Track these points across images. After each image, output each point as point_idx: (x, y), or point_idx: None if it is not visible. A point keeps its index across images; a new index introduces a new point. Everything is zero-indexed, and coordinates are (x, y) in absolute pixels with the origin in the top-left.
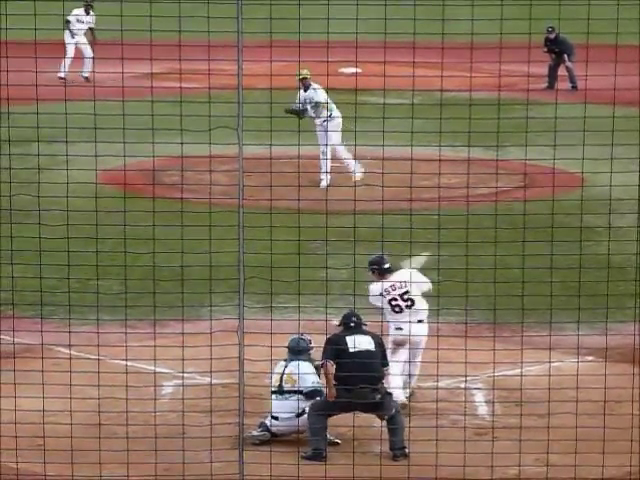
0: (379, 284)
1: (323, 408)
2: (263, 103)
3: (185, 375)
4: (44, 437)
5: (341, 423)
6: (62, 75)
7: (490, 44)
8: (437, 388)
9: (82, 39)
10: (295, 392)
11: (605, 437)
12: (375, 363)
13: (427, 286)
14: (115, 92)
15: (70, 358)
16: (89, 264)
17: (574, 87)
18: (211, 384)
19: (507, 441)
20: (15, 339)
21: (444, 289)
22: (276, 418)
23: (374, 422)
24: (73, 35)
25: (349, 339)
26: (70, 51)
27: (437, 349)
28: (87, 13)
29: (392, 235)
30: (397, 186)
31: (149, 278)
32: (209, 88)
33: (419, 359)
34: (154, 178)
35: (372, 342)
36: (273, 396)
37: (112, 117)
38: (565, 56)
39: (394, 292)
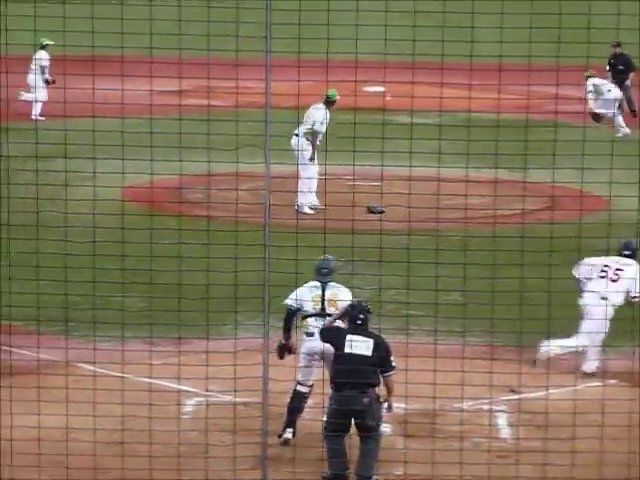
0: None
1: (329, 427)
2: (289, 123)
3: (208, 393)
4: (67, 454)
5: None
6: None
7: (518, 66)
8: (462, 410)
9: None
10: (339, 317)
11: (629, 462)
12: (367, 370)
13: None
14: (143, 109)
15: (94, 375)
16: (113, 281)
17: (633, 111)
18: (235, 403)
19: (529, 465)
20: (39, 355)
21: (469, 310)
22: (311, 335)
23: (395, 443)
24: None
25: (348, 338)
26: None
27: (462, 371)
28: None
29: (417, 256)
30: (422, 207)
31: (173, 296)
32: (237, 107)
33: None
34: (180, 195)
35: (370, 347)
36: (312, 318)
37: (137, 134)
38: (631, 74)
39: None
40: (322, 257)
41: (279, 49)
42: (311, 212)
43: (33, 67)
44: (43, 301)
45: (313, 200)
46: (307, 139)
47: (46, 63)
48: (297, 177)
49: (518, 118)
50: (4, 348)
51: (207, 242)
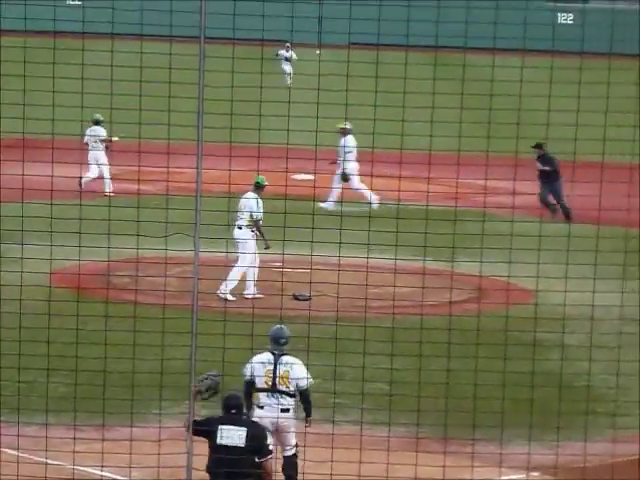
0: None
1: None
2: (220, 211)
3: None
4: None
5: None
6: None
7: (448, 158)
8: None
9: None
10: (289, 395)
11: None
12: (242, 460)
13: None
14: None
15: (17, 461)
16: (38, 367)
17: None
18: None
19: None
20: None
21: (395, 401)
22: (262, 407)
23: None
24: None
25: (219, 430)
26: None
27: (387, 463)
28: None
29: (344, 345)
30: (350, 296)
31: (98, 383)
32: (167, 193)
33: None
34: (108, 280)
35: (244, 437)
36: (264, 394)
37: (64, 220)
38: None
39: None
40: (277, 326)
41: (210, 138)
42: (233, 299)
43: None
44: None
45: (249, 289)
46: (251, 230)
47: None
48: (227, 265)
49: (447, 209)
50: None
51: (134, 329)
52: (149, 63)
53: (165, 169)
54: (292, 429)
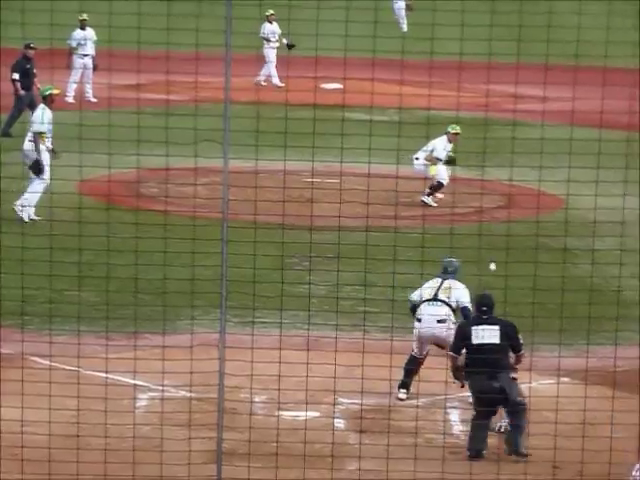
0: None
1: (477, 415)
2: (248, 117)
3: (162, 388)
4: (22, 447)
5: None
6: None
7: (477, 64)
8: (416, 407)
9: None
10: (447, 305)
11: (583, 459)
12: (498, 357)
13: None
14: (100, 103)
15: (49, 368)
16: (69, 274)
17: None
18: (190, 397)
19: (482, 461)
20: None
21: None
22: (420, 320)
23: (348, 438)
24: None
25: (474, 330)
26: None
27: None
28: (82, 29)
29: (374, 252)
30: (379, 203)
31: (129, 290)
32: (195, 101)
33: None
34: (137, 189)
35: (498, 334)
36: (425, 303)
37: (95, 127)
38: None
39: None
40: (447, 259)
41: (239, 44)
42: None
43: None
44: None
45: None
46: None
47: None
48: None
49: (476, 116)
50: None
51: (164, 236)
52: None
53: (193, 78)
54: (450, 340)
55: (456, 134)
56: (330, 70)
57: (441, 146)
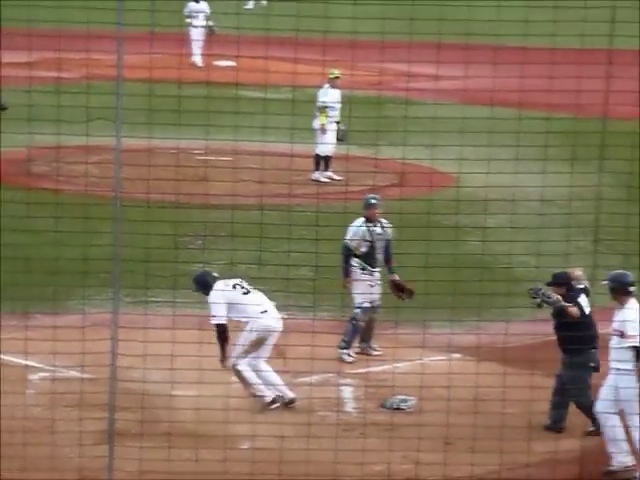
0: None
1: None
2: (141, 95)
3: (54, 368)
4: None
5: None
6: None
7: (370, 42)
8: (310, 384)
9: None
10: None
11: (474, 435)
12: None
13: None
14: None
15: None
16: None
17: None
18: (82, 378)
19: (375, 438)
20: None
21: (320, 285)
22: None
23: (242, 417)
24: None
25: (582, 299)
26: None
27: (312, 345)
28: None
29: (268, 230)
30: (274, 182)
31: (20, 270)
32: (87, 78)
33: None
34: (28, 168)
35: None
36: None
37: None
38: None
39: None
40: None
41: (132, 21)
42: None
43: None
44: None
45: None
46: None
47: None
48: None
49: (370, 95)
50: None
51: (56, 215)
52: None
53: (84, 56)
54: None
55: (336, 78)
56: (224, 48)
57: (323, 92)
